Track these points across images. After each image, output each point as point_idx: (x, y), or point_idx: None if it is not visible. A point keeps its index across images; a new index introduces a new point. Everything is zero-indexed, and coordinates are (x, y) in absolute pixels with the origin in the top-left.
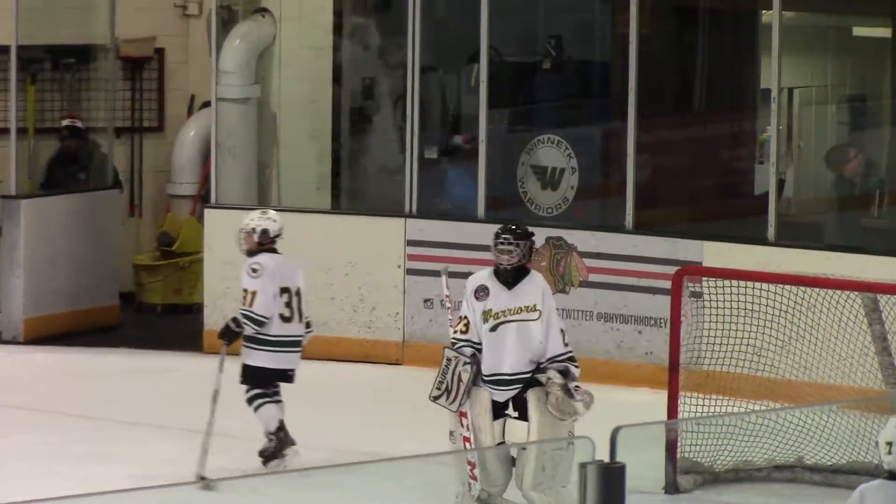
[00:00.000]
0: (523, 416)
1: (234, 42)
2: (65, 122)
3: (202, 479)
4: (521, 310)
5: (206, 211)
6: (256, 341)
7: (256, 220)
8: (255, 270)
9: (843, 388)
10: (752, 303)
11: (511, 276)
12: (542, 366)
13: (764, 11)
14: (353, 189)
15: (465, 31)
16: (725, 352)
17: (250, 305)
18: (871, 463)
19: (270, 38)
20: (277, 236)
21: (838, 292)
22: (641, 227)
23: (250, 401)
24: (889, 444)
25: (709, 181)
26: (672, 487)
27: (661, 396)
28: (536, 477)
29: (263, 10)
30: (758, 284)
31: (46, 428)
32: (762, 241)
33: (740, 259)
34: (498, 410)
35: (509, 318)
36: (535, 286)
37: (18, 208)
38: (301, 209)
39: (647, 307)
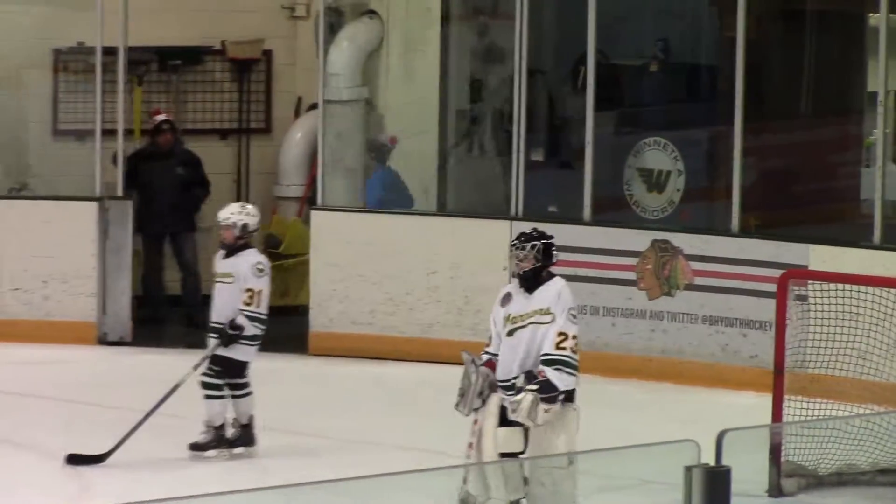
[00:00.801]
0: None
1: (342, 44)
2: (160, 118)
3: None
4: (535, 313)
5: (313, 213)
6: (250, 338)
7: (237, 214)
8: (261, 270)
9: None
10: (858, 306)
11: (530, 281)
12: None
13: (871, 14)
14: (458, 191)
15: (573, 33)
16: (830, 355)
17: (257, 306)
18: None
19: (378, 40)
20: (255, 231)
21: None
22: (747, 231)
23: (241, 387)
24: None
25: (815, 185)
26: (776, 491)
27: (766, 400)
28: (534, 490)
29: (371, 12)
30: (863, 288)
31: (159, 430)
32: (868, 244)
33: (846, 262)
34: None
35: (524, 322)
36: (551, 290)
37: (126, 210)
38: (406, 211)
39: (753, 310)
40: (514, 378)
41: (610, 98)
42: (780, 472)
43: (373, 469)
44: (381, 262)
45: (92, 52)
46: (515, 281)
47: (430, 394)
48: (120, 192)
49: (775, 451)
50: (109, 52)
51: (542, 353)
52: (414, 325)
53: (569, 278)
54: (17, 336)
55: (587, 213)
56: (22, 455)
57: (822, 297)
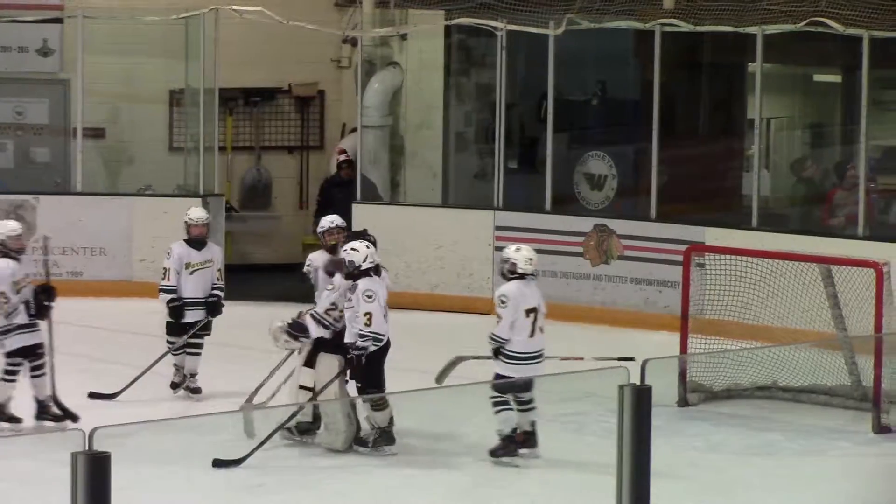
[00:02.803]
0: None
1: (374, 86)
2: (342, 157)
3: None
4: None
5: (354, 206)
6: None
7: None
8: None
9: (806, 331)
10: (741, 271)
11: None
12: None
13: (750, 63)
14: (457, 189)
15: (537, 77)
16: (721, 306)
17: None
18: (825, 385)
19: (399, 83)
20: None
21: (803, 263)
22: (661, 217)
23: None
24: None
25: (710, 184)
26: (683, 402)
27: (675, 338)
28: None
29: (394, 63)
30: (744, 258)
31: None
32: (748, 227)
33: (732, 240)
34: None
35: None
36: None
37: (220, 203)
38: (420, 203)
39: (666, 274)
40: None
41: (564, 123)
42: (686, 389)
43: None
44: (403, 240)
45: (196, 92)
46: None
47: (437, 333)
48: (217, 190)
49: (682, 374)
50: (209, 91)
51: None
52: (425, 284)
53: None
54: (144, 293)
55: (548, 204)
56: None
57: (715, 265)
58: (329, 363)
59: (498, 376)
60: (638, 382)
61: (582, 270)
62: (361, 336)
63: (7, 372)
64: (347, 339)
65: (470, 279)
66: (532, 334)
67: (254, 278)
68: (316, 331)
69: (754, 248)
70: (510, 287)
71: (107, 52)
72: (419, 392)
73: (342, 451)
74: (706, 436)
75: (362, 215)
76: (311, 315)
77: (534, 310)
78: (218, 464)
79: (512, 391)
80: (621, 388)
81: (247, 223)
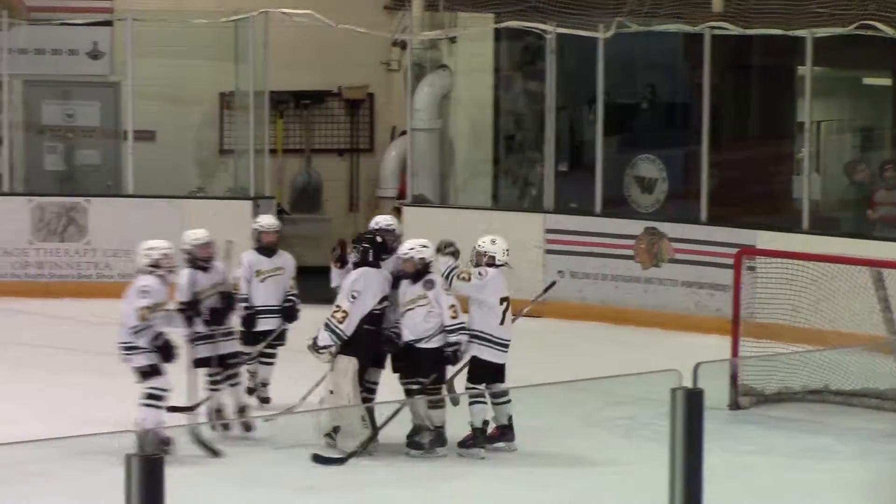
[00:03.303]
0: None
1: (424, 89)
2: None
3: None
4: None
5: (404, 208)
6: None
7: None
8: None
9: (857, 335)
10: (791, 274)
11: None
12: None
13: (799, 67)
14: (507, 192)
15: (587, 80)
16: (772, 309)
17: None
18: (876, 389)
19: (449, 86)
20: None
21: (853, 267)
22: (712, 221)
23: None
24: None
25: (760, 188)
26: (734, 405)
27: (727, 341)
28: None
29: (444, 66)
30: (795, 262)
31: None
32: (798, 230)
33: (782, 243)
34: None
35: None
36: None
37: (271, 205)
38: (470, 206)
39: (717, 277)
40: None
41: (614, 126)
42: (737, 392)
43: None
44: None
45: (246, 94)
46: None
47: None
48: (267, 193)
49: (734, 378)
50: (259, 94)
51: None
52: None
53: (584, 256)
54: None
55: (598, 207)
56: None
57: (766, 268)
58: (343, 364)
59: (478, 361)
60: (690, 386)
61: (632, 273)
62: (452, 330)
63: (209, 383)
64: (411, 336)
65: (520, 282)
66: (502, 322)
67: (304, 281)
68: (328, 339)
69: (805, 251)
70: (491, 270)
71: (157, 55)
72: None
73: (358, 454)
74: (757, 439)
75: (413, 219)
76: (325, 324)
77: (506, 299)
78: (318, 459)
79: (485, 381)
80: (673, 391)
81: (297, 226)
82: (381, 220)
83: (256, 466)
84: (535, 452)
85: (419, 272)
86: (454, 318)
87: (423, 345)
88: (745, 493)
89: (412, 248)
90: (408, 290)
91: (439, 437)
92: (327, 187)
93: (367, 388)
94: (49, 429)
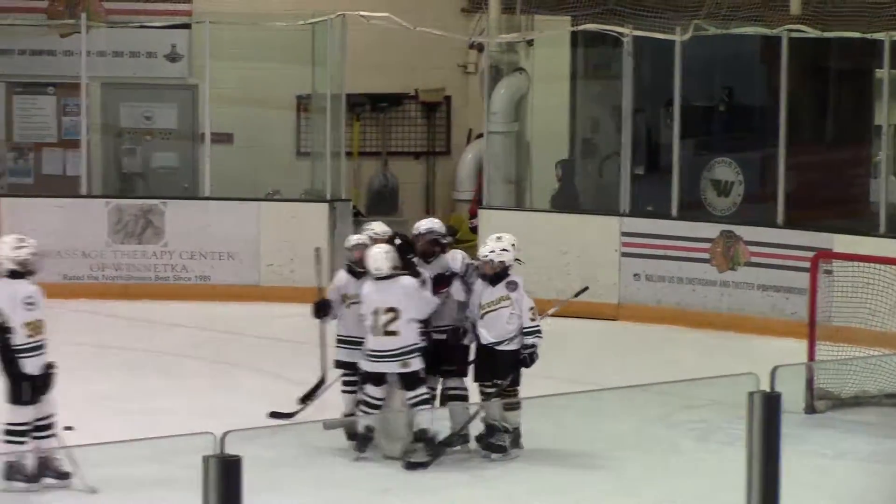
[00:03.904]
0: None
1: (500, 91)
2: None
3: None
4: None
5: (480, 211)
6: None
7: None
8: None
9: None
10: (868, 278)
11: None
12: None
13: (877, 69)
14: (584, 195)
15: (664, 83)
16: (848, 313)
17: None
18: None
19: (525, 89)
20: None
21: None
22: (789, 224)
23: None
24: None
25: (837, 191)
26: (810, 409)
27: (802, 345)
28: None
29: (520, 69)
30: (872, 265)
31: None
32: (875, 234)
33: (859, 247)
34: None
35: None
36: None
37: (347, 209)
38: (545, 210)
39: (793, 280)
40: None
41: (690, 129)
42: (813, 396)
43: None
44: (528, 246)
45: (323, 97)
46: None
47: (562, 339)
48: (344, 195)
49: (810, 381)
50: (336, 97)
51: None
52: (550, 291)
53: (660, 259)
54: (272, 297)
55: (674, 210)
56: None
57: (842, 272)
58: None
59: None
60: (768, 389)
61: (708, 277)
62: (528, 333)
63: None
64: (491, 338)
65: (595, 285)
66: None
67: None
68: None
69: (882, 254)
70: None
71: (234, 58)
72: (552, 397)
73: (398, 458)
74: (833, 443)
75: (488, 221)
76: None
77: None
78: (411, 466)
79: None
80: (751, 395)
81: None
82: (422, 225)
83: (332, 469)
84: (611, 455)
85: (498, 275)
86: (533, 320)
87: (503, 347)
88: (820, 497)
89: (492, 252)
90: (485, 291)
91: (516, 439)
92: (403, 190)
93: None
94: (126, 430)
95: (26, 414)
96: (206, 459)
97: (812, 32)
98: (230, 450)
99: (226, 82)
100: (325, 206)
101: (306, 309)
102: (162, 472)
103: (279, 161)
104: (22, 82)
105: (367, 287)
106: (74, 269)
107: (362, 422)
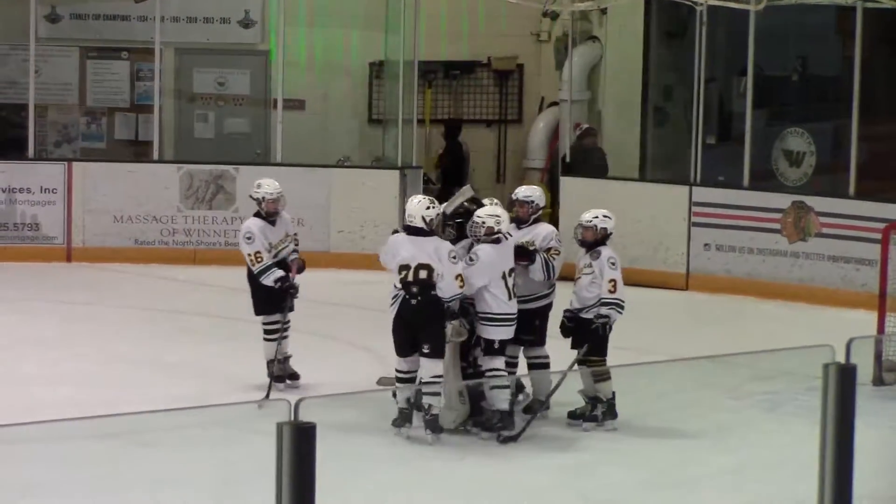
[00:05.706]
0: None
1: (573, 60)
2: (584, 126)
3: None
4: None
5: (563, 178)
6: None
7: (599, 219)
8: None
9: None
10: None
11: None
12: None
13: None
14: (654, 164)
15: (737, 52)
16: None
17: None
18: None
19: (598, 57)
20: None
21: None
22: (860, 195)
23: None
24: None
25: None
26: (878, 381)
27: (872, 316)
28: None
29: (594, 38)
30: None
31: None
32: None
33: None
34: None
35: None
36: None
37: (418, 175)
38: (618, 177)
39: (863, 252)
40: None
41: (763, 99)
42: (881, 368)
43: None
44: None
45: (396, 64)
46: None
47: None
48: (414, 163)
49: (878, 353)
50: (408, 64)
51: None
52: (624, 259)
53: (730, 229)
54: (341, 264)
55: (746, 180)
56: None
57: None
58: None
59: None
60: (842, 361)
61: (779, 247)
62: (605, 303)
63: None
64: (577, 304)
65: (666, 254)
66: (510, 297)
67: None
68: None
69: None
70: (482, 250)
71: (307, 24)
72: (635, 367)
73: (452, 429)
74: None
75: (570, 188)
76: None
77: (512, 271)
78: (505, 440)
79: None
80: (826, 366)
81: None
82: (521, 191)
83: (403, 439)
84: (680, 427)
85: (597, 241)
86: (611, 292)
87: (584, 314)
88: (889, 469)
89: (595, 217)
90: (581, 258)
91: (611, 409)
92: (474, 158)
93: (470, 364)
94: (198, 395)
95: None
96: (279, 426)
97: (887, 3)
98: (304, 417)
99: (298, 48)
100: (395, 174)
101: (376, 276)
102: (234, 436)
103: (350, 128)
104: (96, 47)
105: (490, 252)
106: (146, 235)
107: (400, 395)
